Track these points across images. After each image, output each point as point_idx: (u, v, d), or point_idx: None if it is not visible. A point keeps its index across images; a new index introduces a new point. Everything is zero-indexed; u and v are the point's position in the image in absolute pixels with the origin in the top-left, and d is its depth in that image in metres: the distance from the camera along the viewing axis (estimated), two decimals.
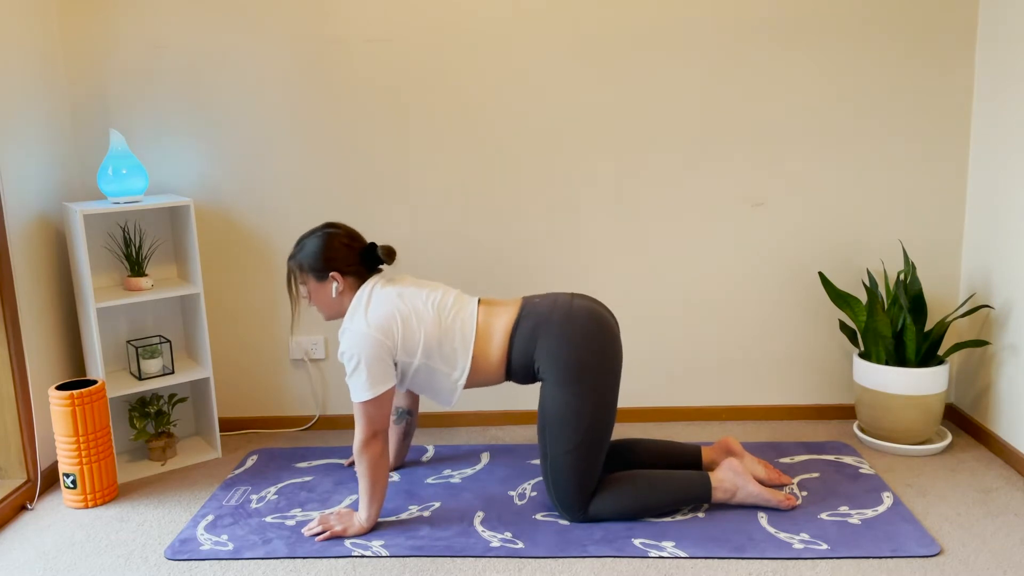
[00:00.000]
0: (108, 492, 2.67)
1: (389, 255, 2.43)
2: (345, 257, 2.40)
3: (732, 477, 2.42)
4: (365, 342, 2.28)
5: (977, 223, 2.93)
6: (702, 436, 3.03)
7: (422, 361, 2.35)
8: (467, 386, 2.42)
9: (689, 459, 2.60)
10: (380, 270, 2.48)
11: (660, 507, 2.40)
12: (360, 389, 2.29)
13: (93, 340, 2.75)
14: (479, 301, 2.45)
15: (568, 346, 2.32)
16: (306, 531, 2.38)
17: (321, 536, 2.35)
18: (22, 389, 2.65)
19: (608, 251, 3.07)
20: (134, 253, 2.92)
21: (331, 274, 2.39)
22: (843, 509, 2.43)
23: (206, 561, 2.28)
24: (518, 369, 2.40)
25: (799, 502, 2.47)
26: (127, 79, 3.00)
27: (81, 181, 3.04)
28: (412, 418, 2.76)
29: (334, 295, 2.41)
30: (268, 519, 2.49)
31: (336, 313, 2.45)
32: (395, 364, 2.35)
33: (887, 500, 2.48)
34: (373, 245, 2.44)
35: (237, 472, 2.84)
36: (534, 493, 2.60)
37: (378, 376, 2.29)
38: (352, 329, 2.30)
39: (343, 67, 2.97)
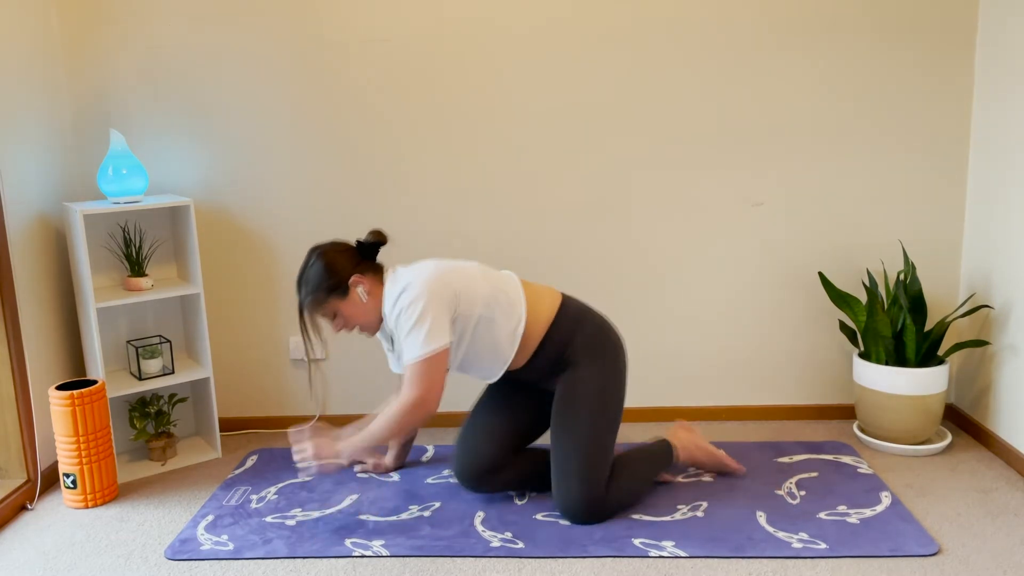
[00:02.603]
0: (108, 492, 2.67)
1: (379, 235, 2.41)
2: (349, 261, 2.37)
3: (685, 435, 2.65)
4: (425, 292, 2.24)
5: (977, 223, 2.94)
6: (702, 436, 3.03)
7: (483, 312, 2.32)
8: (512, 361, 2.40)
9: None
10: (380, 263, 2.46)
11: (647, 481, 2.51)
12: (415, 345, 2.24)
13: (93, 340, 2.75)
14: None
15: (606, 335, 2.46)
16: (298, 462, 2.32)
17: (313, 466, 2.30)
18: (22, 389, 2.65)
19: (608, 251, 3.08)
20: (134, 253, 2.92)
21: (351, 280, 2.34)
22: (842, 508, 2.44)
23: (206, 561, 2.28)
24: (550, 351, 2.41)
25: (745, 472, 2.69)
26: (127, 79, 3.00)
27: (81, 181, 3.05)
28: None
29: (365, 299, 2.35)
30: (268, 519, 2.49)
31: (379, 318, 2.39)
32: (453, 322, 2.31)
33: (885, 500, 2.48)
34: (359, 240, 2.42)
35: (237, 472, 2.84)
36: (534, 493, 2.60)
37: (435, 330, 2.24)
38: (407, 286, 2.26)
39: (342, 67, 2.97)
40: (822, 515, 2.40)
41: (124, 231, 2.98)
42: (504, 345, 2.38)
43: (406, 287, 2.27)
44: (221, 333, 3.19)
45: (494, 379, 2.45)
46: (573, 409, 2.39)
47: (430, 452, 2.96)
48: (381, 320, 2.39)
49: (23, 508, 2.65)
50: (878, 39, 2.90)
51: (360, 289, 2.35)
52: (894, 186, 3.00)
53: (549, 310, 2.42)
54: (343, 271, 2.35)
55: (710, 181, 3.02)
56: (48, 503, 2.68)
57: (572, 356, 2.41)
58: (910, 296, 2.82)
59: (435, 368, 2.25)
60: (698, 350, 3.15)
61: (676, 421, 2.88)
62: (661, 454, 2.56)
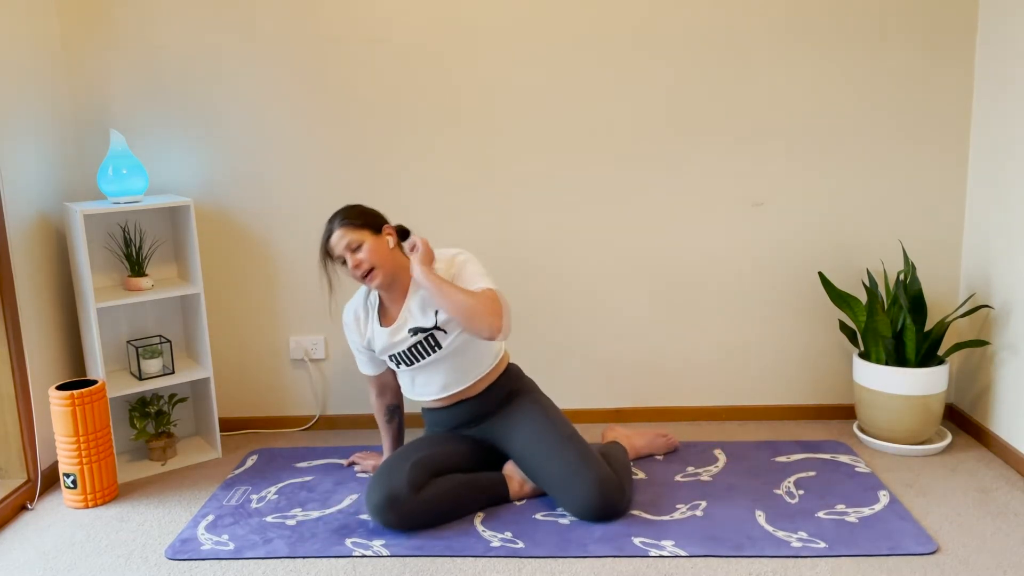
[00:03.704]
0: (108, 492, 2.67)
1: (403, 227, 2.60)
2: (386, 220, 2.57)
3: (615, 433, 2.82)
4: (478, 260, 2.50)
5: (977, 223, 2.94)
6: (702, 436, 3.03)
7: None
8: (482, 377, 2.54)
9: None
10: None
11: (632, 473, 2.66)
12: (489, 283, 2.40)
13: (93, 340, 2.75)
14: None
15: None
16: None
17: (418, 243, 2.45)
18: (22, 389, 2.65)
19: (608, 250, 3.08)
20: (134, 253, 2.92)
21: (385, 227, 2.50)
22: (840, 508, 2.44)
23: (207, 561, 2.28)
24: (504, 383, 2.58)
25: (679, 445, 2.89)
26: (127, 79, 3.00)
27: (81, 181, 3.05)
28: (401, 412, 2.77)
29: (392, 245, 2.48)
30: (268, 519, 2.50)
31: (392, 268, 2.46)
32: None
33: (883, 499, 2.48)
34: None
35: (237, 472, 2.84)
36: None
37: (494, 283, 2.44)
38: (456, 251, 2.51)
39: (342, 67, 2.98)
40: (821, 514, 2.40)
41: (124, 231, 2.98)
42: (489, 350, 2.54)
43: (460, 252, 2.51)
44: (221, 333, 3.19)
45: (455, 390, 2.52)
46: (548, 420, 2.52)
47: None
48: (393, 277, 2.46)
49: (23, 508, 2.65)
50: (878, 39, 2.90)
51: (390, 238, 2.49)
52: (894, 186, 3.00)
53: (506, 351, 2.66)
54: (381, 217, 2.53)
55: (710, 181, 3.02)
56: (48, 503, 2.68)
57: (522, 387, 2.62)
58: (910, 296, 2.82)
59: (504, 304, 2.35)
60: (697, 350, 3.15)
61: (605, 426, 2.95)
62: (623, 451, 2.68)
